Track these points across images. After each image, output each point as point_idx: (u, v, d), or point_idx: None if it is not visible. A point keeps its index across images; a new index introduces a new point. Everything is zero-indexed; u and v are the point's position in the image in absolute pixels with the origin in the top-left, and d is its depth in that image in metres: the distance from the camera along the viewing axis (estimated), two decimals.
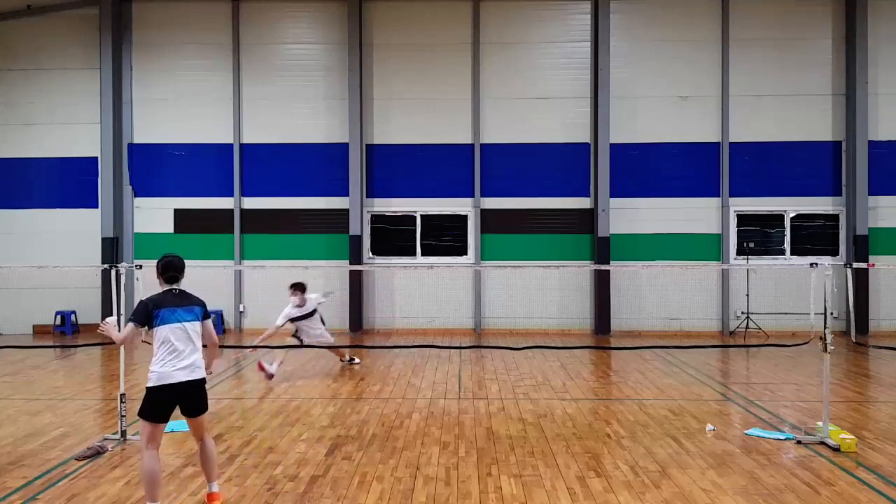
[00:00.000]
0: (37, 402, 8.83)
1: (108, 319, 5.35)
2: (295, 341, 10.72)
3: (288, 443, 7.00)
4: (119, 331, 5.34)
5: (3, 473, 6.07)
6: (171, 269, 5.23)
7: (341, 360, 11.58)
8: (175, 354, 5.04)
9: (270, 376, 10.17)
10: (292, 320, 10.62)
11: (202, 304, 5.34)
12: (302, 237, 16.01)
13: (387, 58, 16.08)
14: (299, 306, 10.56)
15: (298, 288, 10.55)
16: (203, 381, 5.21)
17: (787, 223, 15.82)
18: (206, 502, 5.28)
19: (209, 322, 5.37)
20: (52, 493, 5.61)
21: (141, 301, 5.20)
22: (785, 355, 12.07)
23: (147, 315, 5.07)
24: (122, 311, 7.59)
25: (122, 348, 7.46)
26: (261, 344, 10.14)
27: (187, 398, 5.10)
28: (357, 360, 11.63)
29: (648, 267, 15.20)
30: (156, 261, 5.34)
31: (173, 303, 5.14)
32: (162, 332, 5.05)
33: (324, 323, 11.17)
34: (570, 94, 15.92)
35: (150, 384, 5.02)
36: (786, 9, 15.72)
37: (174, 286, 5.24)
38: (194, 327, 5.18)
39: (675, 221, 15.76)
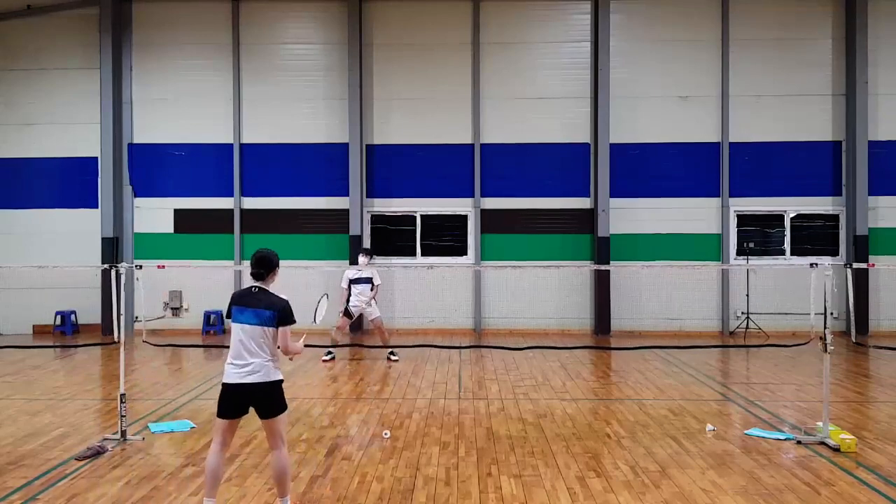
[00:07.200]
0: (37, 402, 8.83)
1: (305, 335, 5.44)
2: (345, 320, 11.82)
3: (288, 443, 6.99)
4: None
5: (3, 473, 6.07)
6: (254, 266, 5.06)
7: (387, 352, 12.29)
8: (234, 354, 4.91)
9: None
10: (352, 282, 11.83)
11: (277, 309, 4.92)
12: (302, 237, 16.00)
13: (387, 58, 16.07)
14: (360, 269, 11.65)
15: (368, 252, 12.21)
16: (263, 385, 4.86)
17: (787, 223, 15.81)
18: None
19: (284, 329, 4.95)
20: (52, 493, 5.61)
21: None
22: (785, 355, 12.06)
23: (228, 308, 5.04)
24: (122, 310, 7.59)
25: (121, 348, 7.47)
26: (335, 339, 11.72)
27: (249, 400, 4.91)
28: (396, 357, 12.20)
29: (648, 267, 15.19)
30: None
31: (247, 302, 4.95)
32: (231, 328, 5.00)
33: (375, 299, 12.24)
34: (570, 94, 15.91)
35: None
36: (786, 9, 15.71)
37: (256, 283, 5.04)
38: (256, 332, 4.87)
39: (675, 221, 15.75)
